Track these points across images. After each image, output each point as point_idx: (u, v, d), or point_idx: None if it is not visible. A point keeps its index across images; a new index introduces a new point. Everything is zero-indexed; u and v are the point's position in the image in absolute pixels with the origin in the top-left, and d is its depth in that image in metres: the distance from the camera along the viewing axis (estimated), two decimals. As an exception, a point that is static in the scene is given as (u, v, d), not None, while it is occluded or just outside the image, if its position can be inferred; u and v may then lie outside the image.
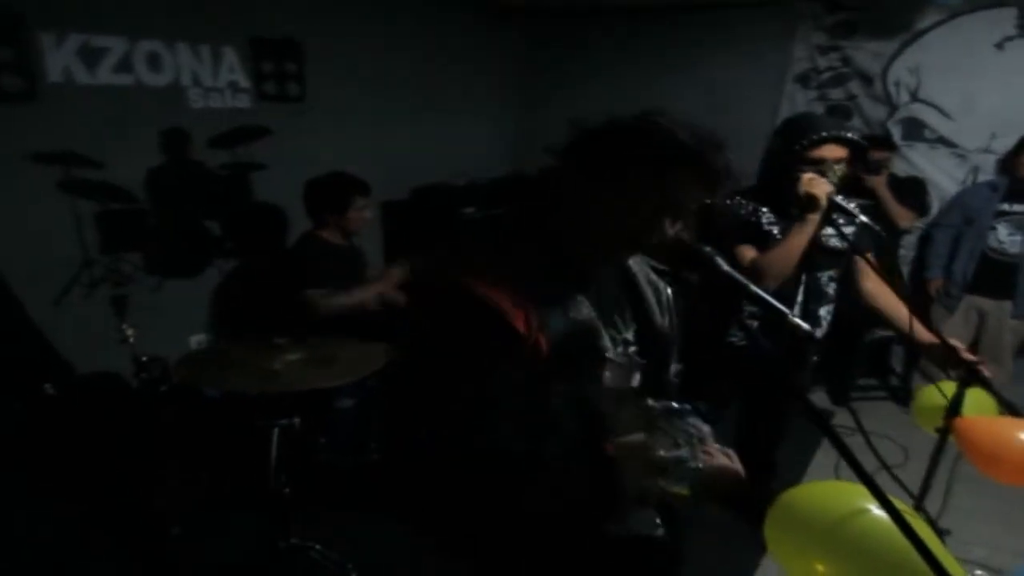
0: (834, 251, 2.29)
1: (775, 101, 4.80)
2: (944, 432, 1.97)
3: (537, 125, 5.66)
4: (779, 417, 2.64)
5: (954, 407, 1.94)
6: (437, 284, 1.17)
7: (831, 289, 2.38)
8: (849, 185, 3.85)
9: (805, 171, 2.08)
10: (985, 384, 1.93)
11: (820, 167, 2.09)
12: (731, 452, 1.16)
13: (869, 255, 2.25)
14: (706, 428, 1.12)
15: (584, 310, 1.19)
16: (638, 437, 1.03)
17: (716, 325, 2.33)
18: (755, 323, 2.15)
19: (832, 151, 2.11)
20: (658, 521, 1.30)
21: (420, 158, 4.96)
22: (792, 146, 2.11)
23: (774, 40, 4.78)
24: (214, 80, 3.70)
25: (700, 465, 1.03)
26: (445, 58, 5.15)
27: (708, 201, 1.13)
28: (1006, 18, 4.06)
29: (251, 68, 3.87)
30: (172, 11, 3.50)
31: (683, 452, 1.01)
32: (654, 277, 1.36)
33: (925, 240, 4.25)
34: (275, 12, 3.95)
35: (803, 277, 2.30)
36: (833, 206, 2.07)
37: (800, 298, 2.33)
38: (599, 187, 1.11)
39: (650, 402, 1.05)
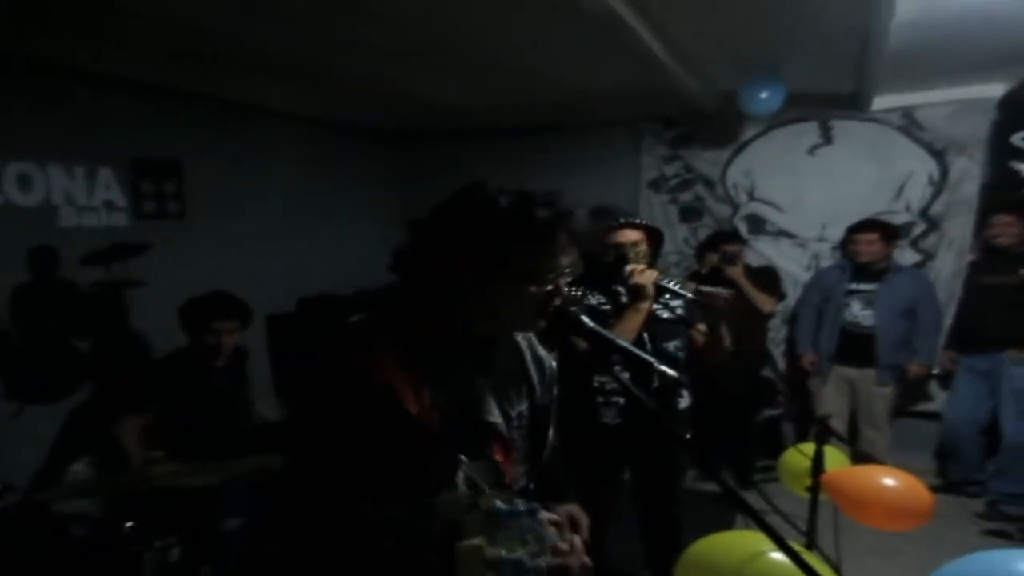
0: (669, 320, 2.45)
1: (633, 206, 5.27)
2: (815, 490, 2.08)
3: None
4: (673, 491, 2.61)
5: (817, 465, 2.07)
6: (328, 367, 1.17)
7: (682, 357, 2.50)
8: (715, 276, 4.22)
9: (609, 255, 2.34)
10: (838, 436, 2.10)
11: (621, 250, 2.33)
12: (577, 544, 1.16)
13: (700, 327, 2.42)
14: (552, 531, 1.13)
15: (476, 386, 1.21)
16: (476, 540, 1.05)
17: (583, 398, 2.40)
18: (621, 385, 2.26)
19: (627, 235, 2.37)
20: None
21: (306, 270, 4.97)
22: (595, 231, 2.37)
23: (625, 153, 5.36)
24: (88, 199, 3.65)
25: (541, 564, 1.07)
26: (327, 174, 5.32)
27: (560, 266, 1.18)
28: (810, 130, 4.79)
29: (129, 187, 3.86)
30: (44, 134, 3.48)
31: (522, 554, 1.05)
32: (541, 353, 1.39)
33: (794, 319, 4.68)
34: (153, 132, 4.00)
35: (648, 348, 2.38)
36: (660, 289, 2.27)
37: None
38: (454, 266, 1.14)
39: (497, 503, 1.07)
